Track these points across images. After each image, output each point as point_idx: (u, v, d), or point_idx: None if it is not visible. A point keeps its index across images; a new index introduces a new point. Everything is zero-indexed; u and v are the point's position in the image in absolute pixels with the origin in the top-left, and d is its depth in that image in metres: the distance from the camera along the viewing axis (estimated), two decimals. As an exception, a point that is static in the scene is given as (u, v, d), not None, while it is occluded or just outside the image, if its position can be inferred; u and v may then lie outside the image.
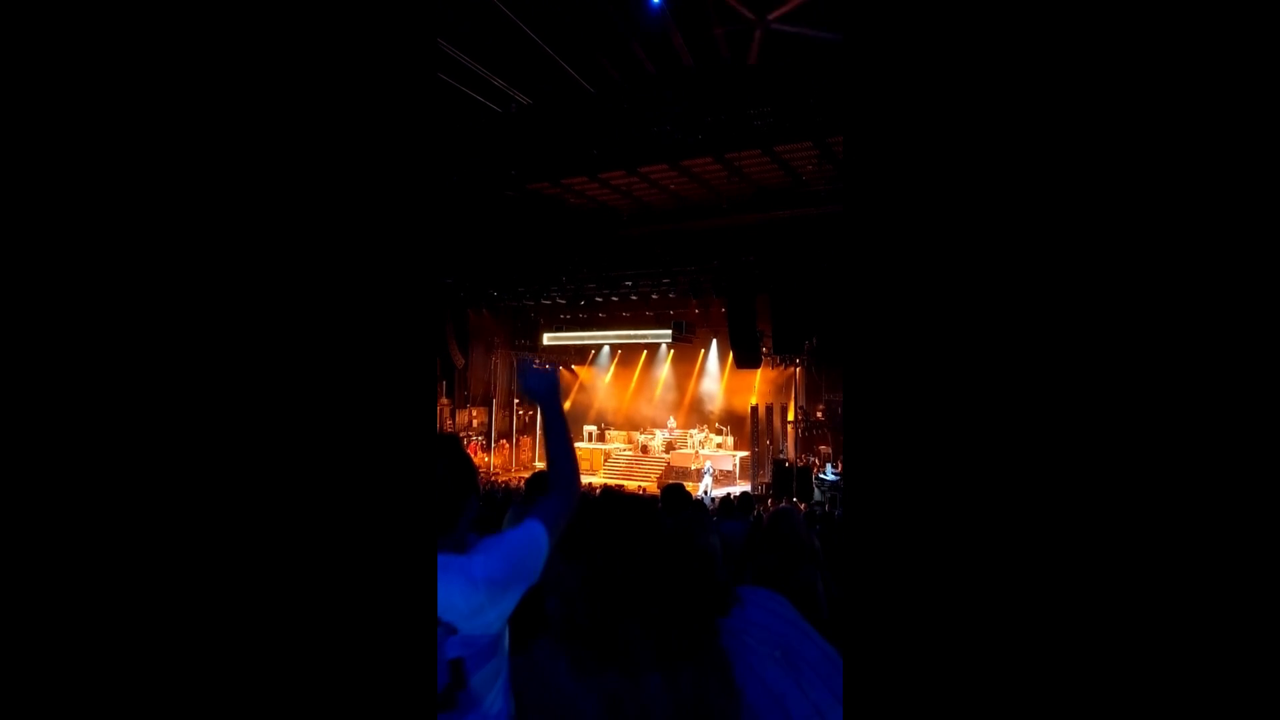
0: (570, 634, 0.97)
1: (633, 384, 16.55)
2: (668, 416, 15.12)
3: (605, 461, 14.28)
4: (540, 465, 15.00)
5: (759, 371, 13.41)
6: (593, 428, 15.47)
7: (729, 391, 15.10)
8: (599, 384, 16.77)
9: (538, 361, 1.39)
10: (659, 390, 16.13)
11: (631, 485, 12.06)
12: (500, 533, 1.18)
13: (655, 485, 12.27)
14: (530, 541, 1.15)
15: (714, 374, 15.39)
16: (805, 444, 12.67)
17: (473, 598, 1.08)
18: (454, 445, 1.27)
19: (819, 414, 12.98)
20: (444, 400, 13.64)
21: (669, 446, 14.10)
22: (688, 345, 14.72)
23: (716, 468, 12.85)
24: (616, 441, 15.18)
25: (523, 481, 12.01)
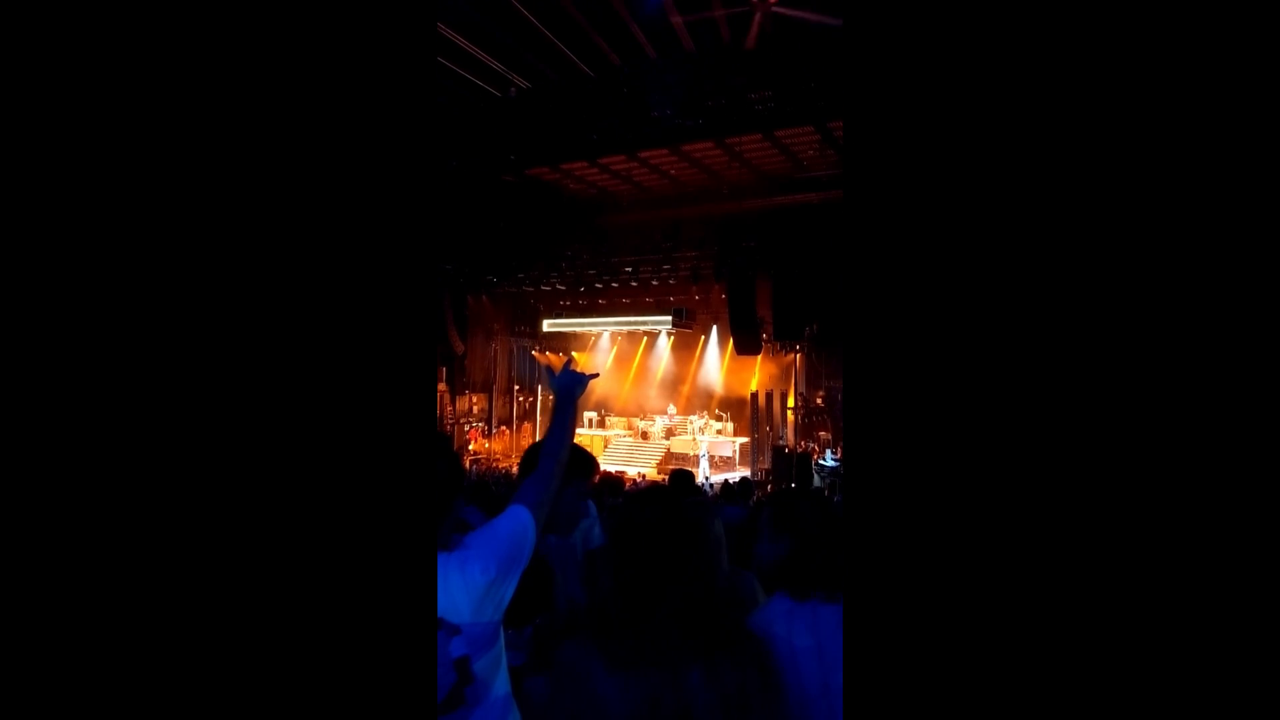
0: (606, 631, 0.96)
1: (633, 370, 16.55)
2: (667, 403, 15.14)
3: (605, 448, 14.31)
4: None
5: (759, 358, 13.40)
6: (593, 414, 15.48)
7: (729, 378, 15.10)
8: (599, 370, 16.76)
9: (575, 365, 1.43)
10: (659, 376, 16.13)
11: (632, 472, 12.09)
12: (488, 525, 1.19)
13: (655, 471, 12.30)
14: (517, 529, 1.16)
15: (714, 360, 15.39)
16: (805, 430, 12.70)
17: (474, 595, 1.09)
18: (446, 445, 1.29)
19: (819, 400, 12.99)
20: (443, 387, 13.65)
21: (669, 433, 14.12)
22: (688, 331, 14.69)
23: (715, 454, 12.88)
24: (617, 428, 15.21)
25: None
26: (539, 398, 16.52)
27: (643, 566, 0.96)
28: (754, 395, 13.37)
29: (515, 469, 11.61)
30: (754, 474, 11.81)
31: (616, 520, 1.04)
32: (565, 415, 1.40)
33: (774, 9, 7.57)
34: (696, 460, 12.31)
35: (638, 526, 1.00)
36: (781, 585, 1.29)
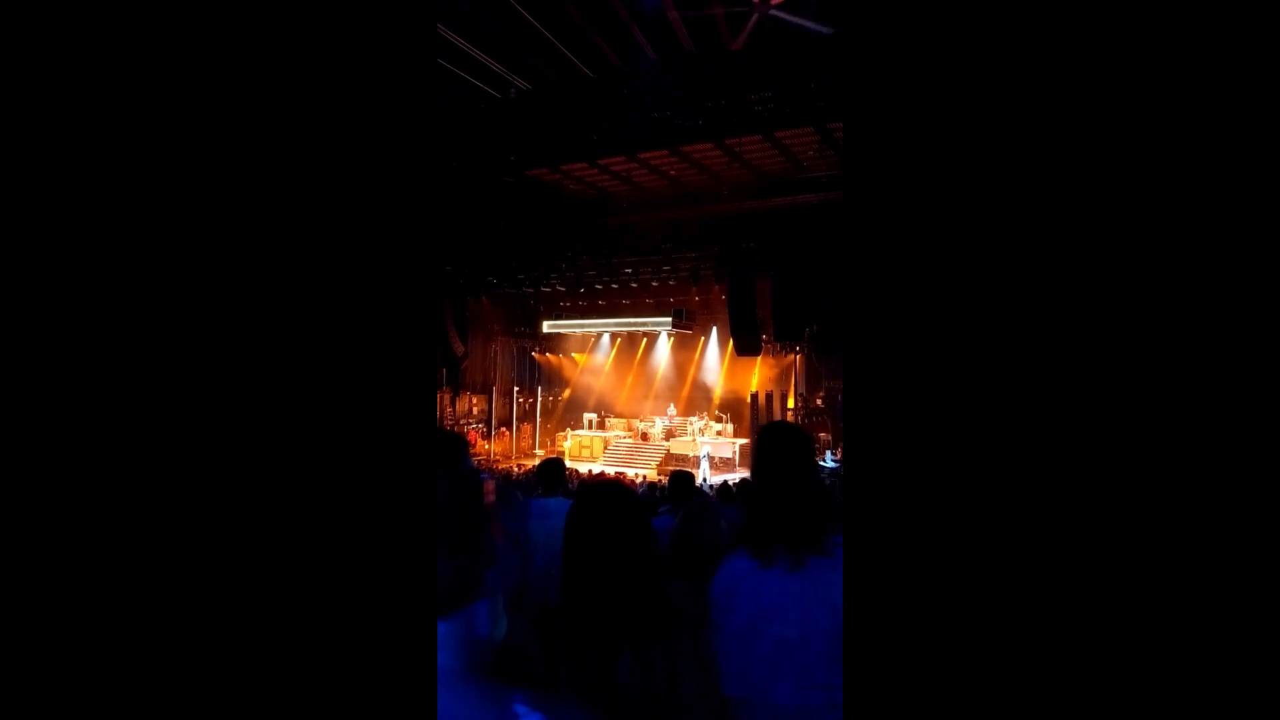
0: (543, 616, 0.99)
1: (633, 371, 16.56)
2: (668, 404, 15.14)
3: (605, 449, 14.32)
4: (541, 453, 15.03)
5: (759, 359, 13.41)
6: (593, 415, 15.49)
7: (729, 379, 15.11)
8: (599, 371, 16.79)
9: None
10: (659, 377, 16.14)
11: (631, 472, 12.09)
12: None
13: (655, 472, 12.30)
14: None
15: (714, 361, 15.40)
16: (805, 431, 12.67)
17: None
18: (456, 439, 1.31)
19: (819, 401, 12.99)
20: (443, 388, 13.65)
21: (669, 434, 14.13)
22: (688, 332, 14.70)
23: (715, 455, 12.88)
24: (616, 429, 15.22)
25: (522, 467, 12.04)
26: (539, 399, 16.52)
27: (584, 557, 0.99)
28: (754, 396, 13.38)
29: (515, 470, 11.61)
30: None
31: (570, 510, 1.06)
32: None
33: (773, 12, 7.58)
34: (696, 462, 12.31)
35: (583, 521, 1.02)
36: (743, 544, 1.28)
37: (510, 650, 1.01)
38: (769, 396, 13.21)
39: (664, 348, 16.11)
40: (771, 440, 1.37)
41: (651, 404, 15.72)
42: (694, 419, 14.36)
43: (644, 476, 11.29)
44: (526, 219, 12.59)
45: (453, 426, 13.93)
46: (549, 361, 17.22)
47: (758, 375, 14.37)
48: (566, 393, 17.14)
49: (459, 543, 0.70)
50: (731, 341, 12.45)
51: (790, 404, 13.15)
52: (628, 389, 16.46)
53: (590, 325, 15.60)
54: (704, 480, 10.92)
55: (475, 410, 15.25)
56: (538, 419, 16.36)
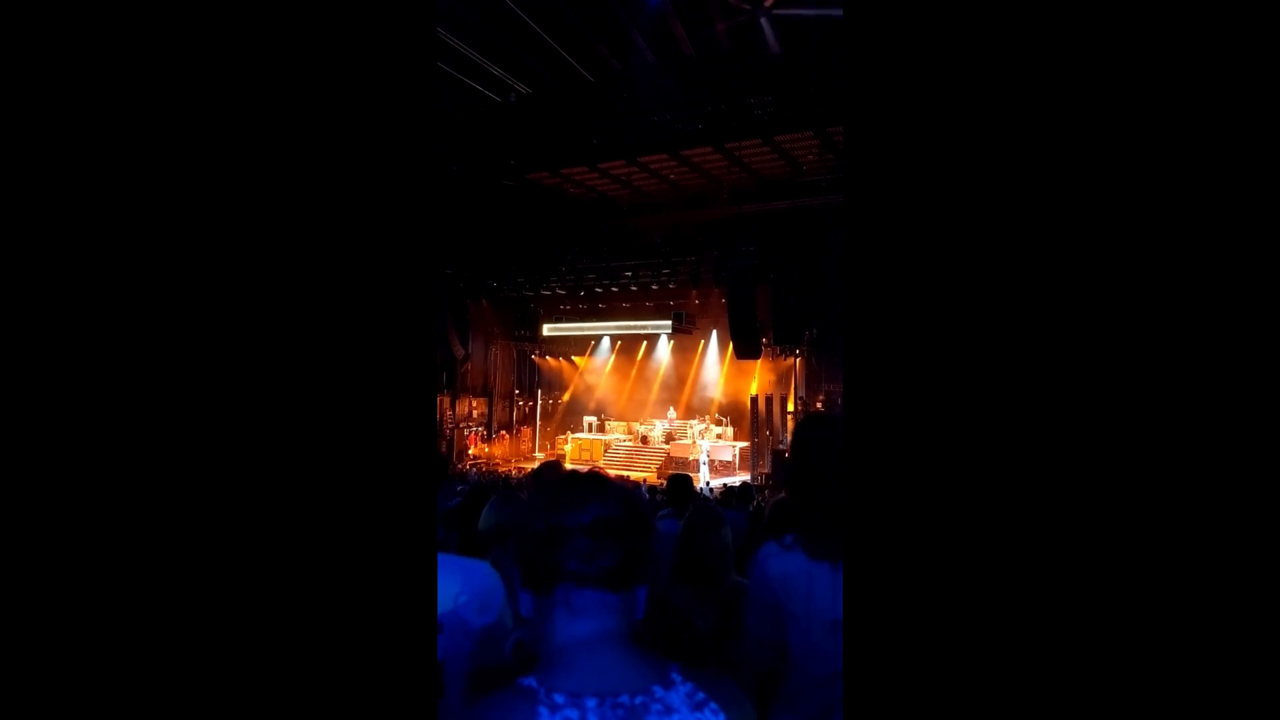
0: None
1: (632, 375, 16.54)
2: (667, 407, 15.12)
3: (605, 452, 14.30)
4: (541, 456, 15.01)
5: (759, 362, 13.40)
6: (593, 418, 15.47)
7: (729, 382, 15.09)
8: (599, 374, 16.77)
9: None
10: (659, 381, 16.12)
11: (630, 475, 12.07)
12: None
13: (655, 475, 12.28)
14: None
15: (714, 364, 15.38)
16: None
17: (486, 598, 1.15)
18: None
19: (819, 405, 12.97)
20: (443, 391, 13.63)
21: (669, 437, 14.10)
22: (688, 336, 14.69)
23: (715, 458, 12.86)
24: (616, 432, 15.19)
25: (522, 471, 12.02)
26: (538, 402, 16.50)
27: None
28: (754, 399, 13.35)
29: (515, 473, 11.60)
30: (754, 478, 11.78)
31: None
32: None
33: (773, 11, 7.59)
34: (696, 465, 12.29)
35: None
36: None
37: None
38: (769, 400, 13.19)
39: (664, 351, 16.08)
40: (810, 431, 1.42)
41: (651, 407, 15.69)
42: (694, 422, 14.33)
43: (645, 480, 11.28)
44: (527, 222, 12.61)
45: (452, 430, 13.92)
46: (549, 364, 17.20)
47: (758, 379, 14.34)
48: (566, 396, 17.11)
49: (632, 536, 0.80)
50: (731, 345, 12.44)
51: (790, 407, 13.13)
52: (627, 392, 16.43)
53: (590, 328, 15.58)
54: (705, 484, 10.90)
55: (475, 413, 15.22)
56: (537, 422, 16.34)
